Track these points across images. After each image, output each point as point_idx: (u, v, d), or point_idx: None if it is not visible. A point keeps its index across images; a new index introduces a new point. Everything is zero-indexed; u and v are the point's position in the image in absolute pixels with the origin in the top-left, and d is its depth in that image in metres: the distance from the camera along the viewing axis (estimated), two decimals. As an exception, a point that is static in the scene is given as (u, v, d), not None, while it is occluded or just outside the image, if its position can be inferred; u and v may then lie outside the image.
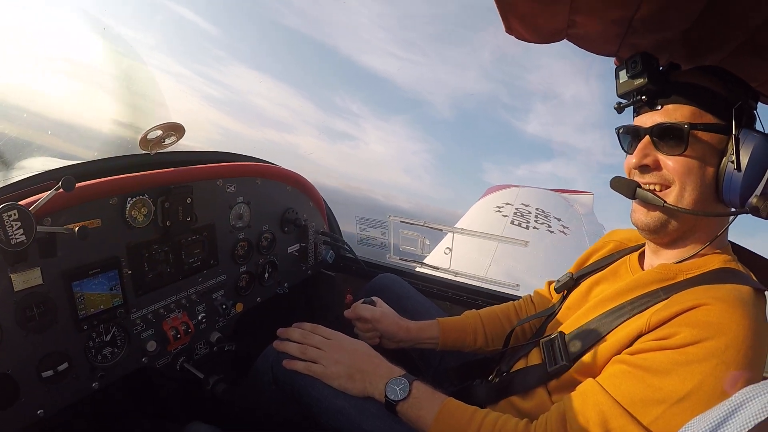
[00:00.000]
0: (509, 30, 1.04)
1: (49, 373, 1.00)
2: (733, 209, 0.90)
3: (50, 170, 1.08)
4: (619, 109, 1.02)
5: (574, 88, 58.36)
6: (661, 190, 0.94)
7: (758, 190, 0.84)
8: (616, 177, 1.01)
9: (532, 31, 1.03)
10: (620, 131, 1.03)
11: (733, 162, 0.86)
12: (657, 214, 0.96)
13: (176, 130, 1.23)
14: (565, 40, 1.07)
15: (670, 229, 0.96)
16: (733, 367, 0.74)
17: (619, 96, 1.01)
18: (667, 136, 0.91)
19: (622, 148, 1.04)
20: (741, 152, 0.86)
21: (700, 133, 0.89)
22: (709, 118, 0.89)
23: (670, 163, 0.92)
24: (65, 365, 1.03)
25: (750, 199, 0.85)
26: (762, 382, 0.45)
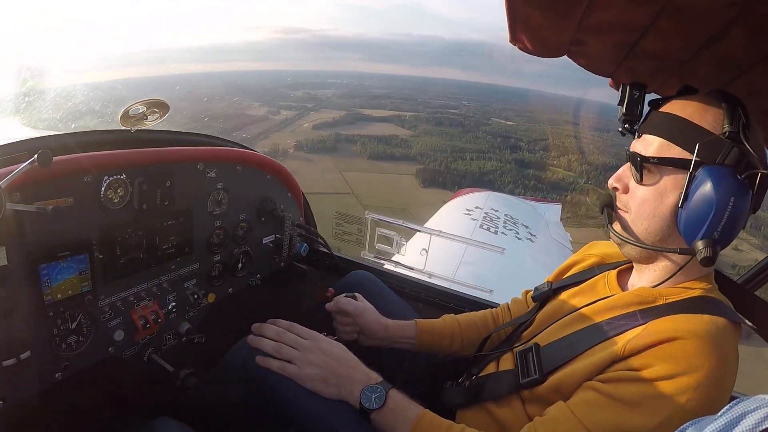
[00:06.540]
0: (513, 40, 1.05)
1: (11, 361, 0.93)
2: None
3: (22, 140, 1.00)
4: (622, 132, 1.06)
5: None
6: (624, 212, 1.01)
7: (700, 234, 0.85)
8: (603, 193, 1.07)
9: (536, 43, 1.05)
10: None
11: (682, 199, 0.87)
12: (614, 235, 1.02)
13: (160, 107, 1.17)
14: (565, 56, 1.09)
15: (631, 250, 1.01)
16: (703, 404, 0.76)
17: (619, 120, 1.05)
18: (635, 165, 0.95)
19: None
20: (691, 191, 0.85)
21: (662, 167, 0.91)
22: (675, 152, 0.90)
23: (634, 191, 0.97)
24: (27, 353, 0.96)
25: (695, 241, 0.86)
26: (758, 396, 0.46)
